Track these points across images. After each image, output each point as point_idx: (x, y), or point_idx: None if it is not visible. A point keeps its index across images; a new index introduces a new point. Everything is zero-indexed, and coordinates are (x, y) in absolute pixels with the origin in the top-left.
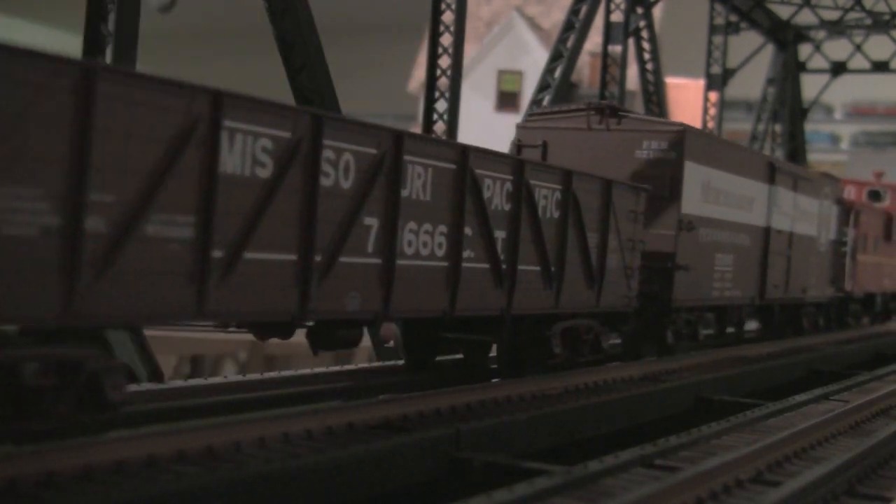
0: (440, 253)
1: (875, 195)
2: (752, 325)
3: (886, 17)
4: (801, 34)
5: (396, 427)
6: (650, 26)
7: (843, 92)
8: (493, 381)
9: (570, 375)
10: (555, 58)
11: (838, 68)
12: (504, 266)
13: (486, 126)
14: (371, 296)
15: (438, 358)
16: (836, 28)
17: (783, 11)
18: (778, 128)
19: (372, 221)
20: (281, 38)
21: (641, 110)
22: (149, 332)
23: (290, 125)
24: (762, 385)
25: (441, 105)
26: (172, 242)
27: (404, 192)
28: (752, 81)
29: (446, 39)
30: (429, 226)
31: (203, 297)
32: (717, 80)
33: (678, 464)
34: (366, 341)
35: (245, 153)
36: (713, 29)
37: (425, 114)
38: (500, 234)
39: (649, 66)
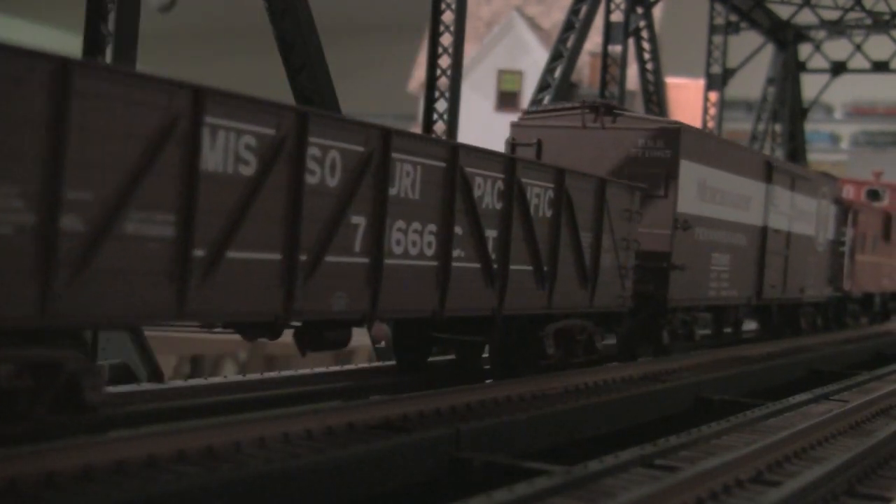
0: (429, 252)
1: (874, 194)
2: (751, 326)
3: (886, 17)
4: (801, 34)
5: (396, 427)
6: (650, 26)
7: (843, 92)
8: (487, 381)
9: (571, 375)
10: (555, 58)
11: (838, 68)
12: (495, 266)
13: (486, 126)
14: (358, 296)
15: (431, 359)
16: (836, 28)
17: (783, 11)
18: (778, 128)
19: (359, 220)
20: (281, 38)
21: (641, 110)
22: (149, 332)
23: (275, 122)
24: (762, 385)
25: (441, 105)
26: (152, 241)
27: (392, 191)
28: (752, 81)
29: (446, 39)
30: (418, 225)
31: (184, 297)
32: (717, 80)
33: (678, 464)
34: (365, 341)
35: (228, 150)
36: (713, 29)
37: (425, 114)
38: (491, 234)
39: (649, 66)
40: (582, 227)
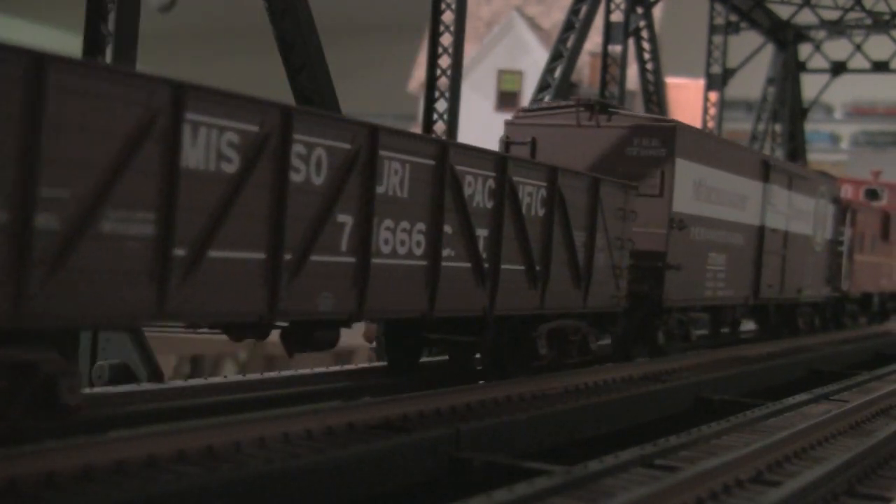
0: (418, 252)
1: (873, 194)
2: (749, 326)
3: (886, 17)
4: (801, 34)
5: (396, 427)
6: (650, 26)
7: (843, 92)
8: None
9: (571, 375)
10: (555, 58)
11: (838, 68)
12: (486, 265)
13: (486, 126)
14: (345, 296)
15: (425, 360)
16: (836, 28)
17: (783, 11)
18: (778, 128)
19: (346, 219)
20: (281, 38)
21: (642, 110)
22: (149, 332)
23: (258, 119)
24: (762, 385)
25: (441, 105)
26: (131, 240)
27: (380, 189)
28: (752, 81)
29: (446, 39)
30: (406, 223)
31: (164, 296)
32: (717, 80)
33: (678, 464)
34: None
35: (209, 147)
36: (713, 29)
37: (425, 114)
38: (481, 233)
39: (649, 66)
40: (575, 226)
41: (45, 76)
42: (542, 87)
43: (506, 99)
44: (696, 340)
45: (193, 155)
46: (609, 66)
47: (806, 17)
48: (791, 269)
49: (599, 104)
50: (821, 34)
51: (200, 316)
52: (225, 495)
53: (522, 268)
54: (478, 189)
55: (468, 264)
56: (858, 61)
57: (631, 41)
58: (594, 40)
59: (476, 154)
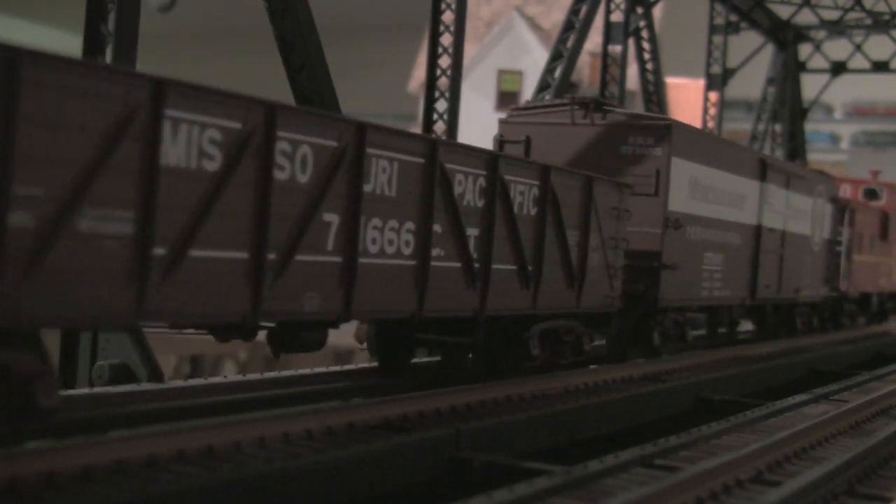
0: (407, 251)
1: (871, 193)
2: (747, 327)
3: (886, 17)
4: (801, 34)
5: (396, 427)
6: (650, 26)
7: (843, 92)
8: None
9: (571, 375)
10: (555, 58)
11: (838, 68)
12: (477, 265)
13: (486, 126)
14: (331, 296)
15: (417, 360)
16: (836, 28)
17: (783, 11)
18: (778, 128)
19: (332, 218)
20: (281, 38)
21: (642, 110)
22: (149, 332)
23: (241, 115)
24: (762, 385)
25: (441, 105)
26: (108, 239)
27: (368, 188)
28: (752, 81)
29: (446, 39)
30: (395, 223)
31: (143, 297)
32: (717, 80)
33: (678, 464)
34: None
35: (190, 145)
36: (713, 29)
37: (425, 114)
38: (472, 232)
39: (649, 66)
40: (568, 226)
41: (18, 71)
42: (542, 87)
43: (506, 99)
44: (693, 341)
45: (174, 152)
46: (609, 66)
47: (806, 17)
48: (789, 269)
49: (594, 102)
50: (821, 34)
51: (182, 317)
52: (225, 495)
53: (514, 268)
54: (468, 188)
55: (458, 264)
56: (858, 61)
57: (631, 41)
58: (594, 40)
59: (466, 152)
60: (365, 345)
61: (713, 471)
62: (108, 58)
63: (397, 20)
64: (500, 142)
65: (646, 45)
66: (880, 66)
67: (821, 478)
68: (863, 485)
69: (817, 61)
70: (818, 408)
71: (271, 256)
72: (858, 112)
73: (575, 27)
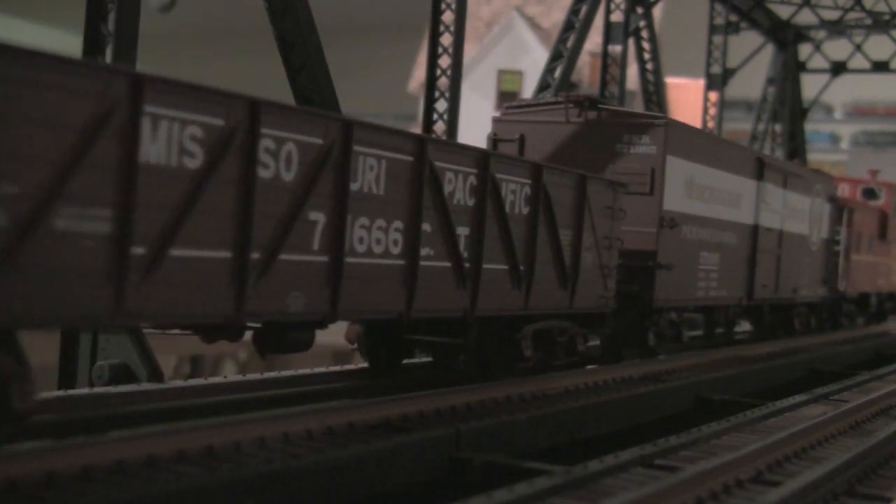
0: (395, 251)
1: (870, 193)
2: (746, 327)
3: (886, 17)
4: (801, 34)
5: (396, 427)
6: (650, 26)
7: (843, 92)
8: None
9: (570, 375)
10: (555, 58)
11: (838, 68)
12: (467, 265)
13: (486, 126)
14: (317, 296)
15: (410, 361)
16: (836, 28)
17: (783, 11)
18: (778, 128)
19: (318, 217)
20: (281, 38)
21: (641, 110)
22: (149, 332)
23: (224, 112)
24: (762, 385)
25: (441, 105)
26: (86, 238)
27: (354, 186)
28: (752, 81)
29: (446, 39)
30: (382, 221)
31: (122, 296)
32: (717, 80)
33: (678, 464)
34: None
35: (171, 142)
36: (713, 29)
37: (425, 114)
38: (462, 231)
39: (649, 66)
40: (561, 225)
41: None
42: (542, 86)
43: (506, 99)
44: (689, 342)
45: (153, 149)
46: (609, 66)
47: (806, 17)
48: (786, 269)
49: (588, 100)
50: (821, 34)
51: (163, 317)
52: (225, 495)
53: (505, 267)
54: (458, 186)
55: (448, 264)
56: (858, 61)
57: (631, 41)
58: (594, 40)
59: (456, 150)
60: (356, 345)
61: (713, 471)
62: (109, 58)
63: (397, 20)
64: (494, 140)
65: (646, 45)
66: (880, 66)
67: (821, 478)
68: (863, 485)
69: (817, 61)
70: (818, 408)
71: (255, 256)
72: (858, 112)
73: (575, 27)
